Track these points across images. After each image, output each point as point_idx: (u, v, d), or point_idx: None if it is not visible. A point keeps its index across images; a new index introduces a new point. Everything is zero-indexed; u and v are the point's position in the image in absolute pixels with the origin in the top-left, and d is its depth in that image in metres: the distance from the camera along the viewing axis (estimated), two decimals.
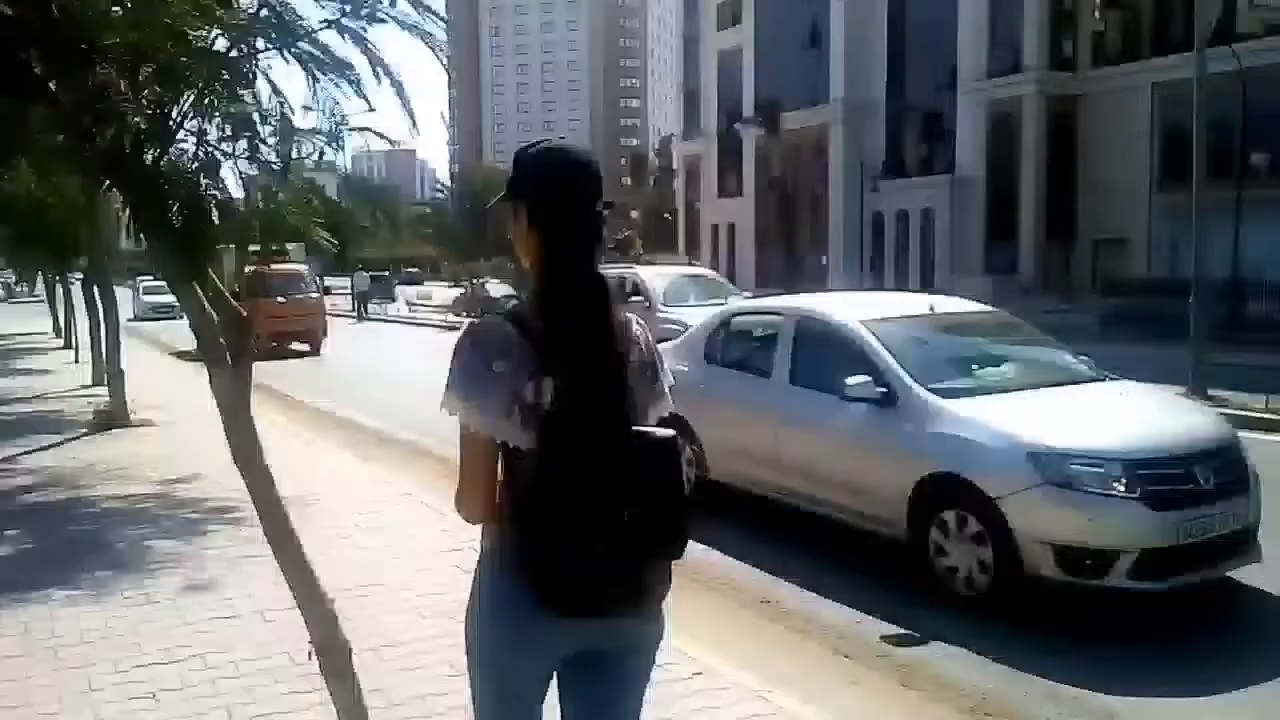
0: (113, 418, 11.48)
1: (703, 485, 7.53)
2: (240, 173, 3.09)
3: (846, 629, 5.41)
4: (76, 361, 19.76)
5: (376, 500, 7.72)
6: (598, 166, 2.20)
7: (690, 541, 2.17)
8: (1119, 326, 22.82)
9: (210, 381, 3.24)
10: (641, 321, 2.29)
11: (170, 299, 30.47)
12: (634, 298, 16.11)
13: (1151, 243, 33.46)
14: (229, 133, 2.96)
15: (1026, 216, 36.76)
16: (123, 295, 18.18)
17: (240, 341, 3.11)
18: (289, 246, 19.88)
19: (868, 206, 41.02)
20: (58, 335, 26.87)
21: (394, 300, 45.39)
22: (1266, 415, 11.69)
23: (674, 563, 2.18)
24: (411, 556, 6.19)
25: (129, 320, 33.82)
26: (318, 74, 3.08)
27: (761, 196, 48.75)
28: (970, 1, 37.73)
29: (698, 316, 10.16)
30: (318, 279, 27.58)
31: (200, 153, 2.92)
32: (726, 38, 50.46)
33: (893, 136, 42.74)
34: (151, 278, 48.54)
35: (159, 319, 37.50)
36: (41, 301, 35.11)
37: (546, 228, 2.13)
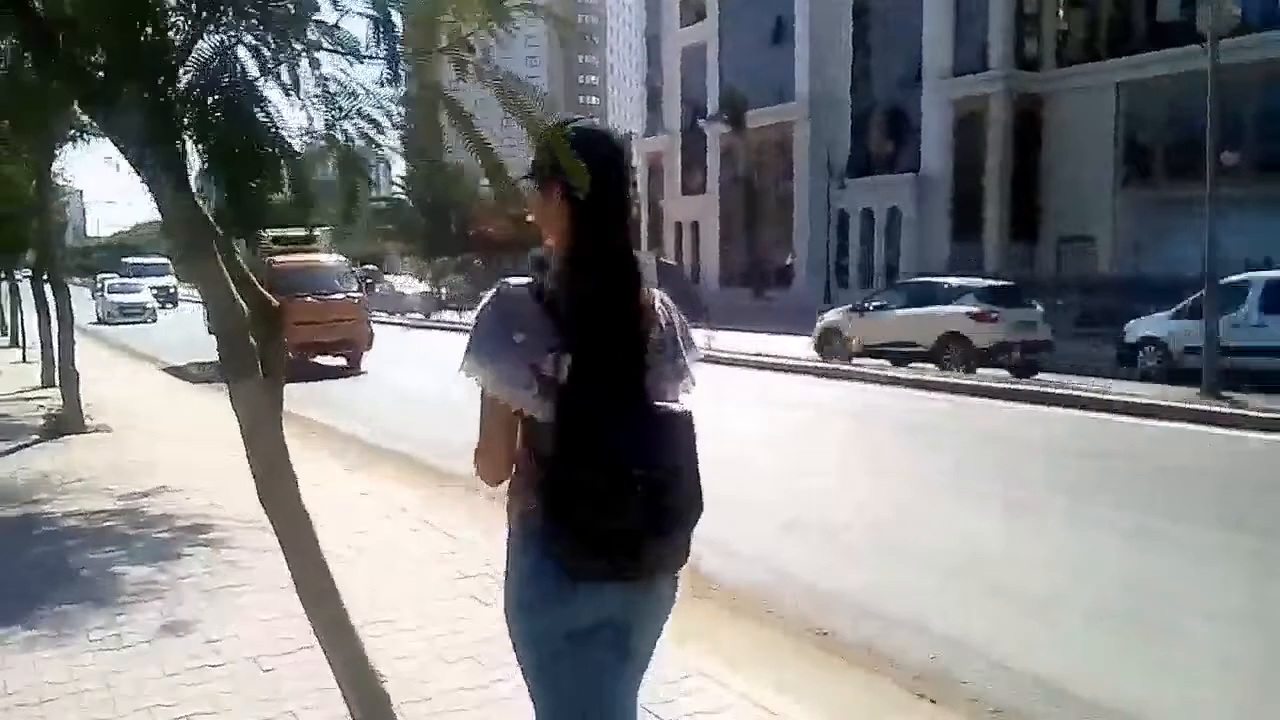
0: (65, 423, 10.59)
1: None
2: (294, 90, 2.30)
3: (921, 666, 4.81)
4: (25, 361, 18.75)
5: (370, 516, 7.00)
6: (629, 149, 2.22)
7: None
8: (1093, 327, 22.46)
9: (230, 394, 2.52)
10: (666, 299, 2.30)
11: (141, 298, 29.72)
12: None
13: (1117, 241, 33.49)
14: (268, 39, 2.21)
15: (991, 215, 36.74)
16: (79, 295, 17.16)
17: (272, 341, 2.42)
18: (317, 232, 18.78)
19: (833, 204, 40.66)
20: (3, 334, 25.70)
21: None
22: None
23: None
24: (419, 583, 5.49)
25: (92, 324, 32.49)
26: None
27: (726, 194, 48.34)
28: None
29: None
30: (355, 274, 22.38)
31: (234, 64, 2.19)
32: (690, 34, 49.91)
33: (858, 134, 42.47)
34: (117, 275, 46.71)
35: (128, 322, 35.75)
36: None
37: (583, 205, 2.14)
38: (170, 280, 53.07)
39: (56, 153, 13.86)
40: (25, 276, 20.81)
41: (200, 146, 2.14)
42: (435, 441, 9.61)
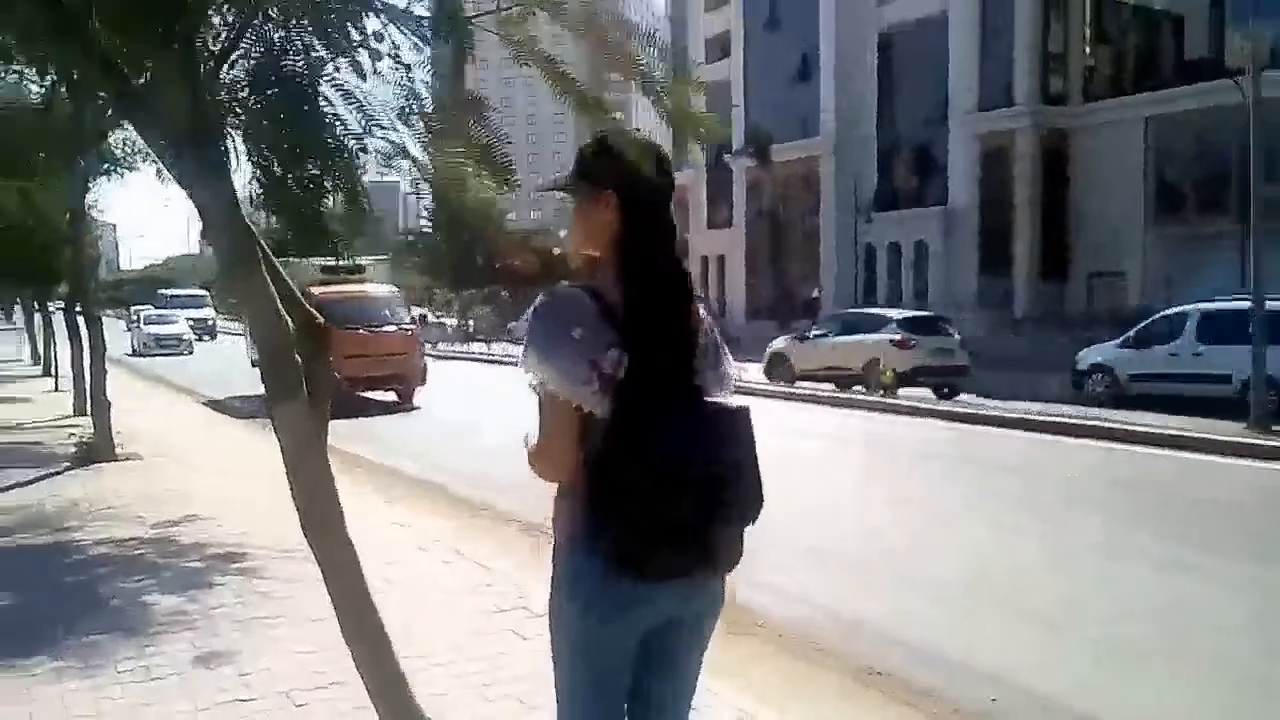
0: (96, 451, 10.54)
1: None
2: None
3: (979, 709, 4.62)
4: (57, 390, 18.82)
5: (401, 547, 6.87)
6: None
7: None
8: None
9: (273, 417, 2.38)
10: (705, 307, 2.34)
11: (177, 330, 29.79)
12: None
13: (1147, 276, 33.18)
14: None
15: (1020, 250, 36.58)
16: (113, 326, 17.20)
17: (318, 361, 2.29)
18: (365, 261, 18.42)
19: (860, 238, 40.54)
20: (36, 363, 25.83)
21: None
22: None
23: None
24: (454, 617, 5.34)
25: (127, 355, 32.53)
26: None
27: (752, 228, 48.33)
28: (961, 35, 37.69)
29: None
30: (406, 305, 20.68)
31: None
32: (715, 70, 50.05)
33: (884, 168, 42.46)
34: (153, 306, 46.80)
35: (163, 353, 35.43)
36: (18, 329, 33.89)
37: (636, 214, 2.20)
38: (208, 312, 52.92)
39: (90, 185, 13.98)
40: (58, 308, 20.98)
41: (250, 144, 2.03)
42: (493, 477, 9.37)
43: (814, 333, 21.93)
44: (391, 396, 18.22)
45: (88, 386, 11.82)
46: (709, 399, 2.21)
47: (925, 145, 41.02)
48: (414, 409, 17.88)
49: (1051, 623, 5.90)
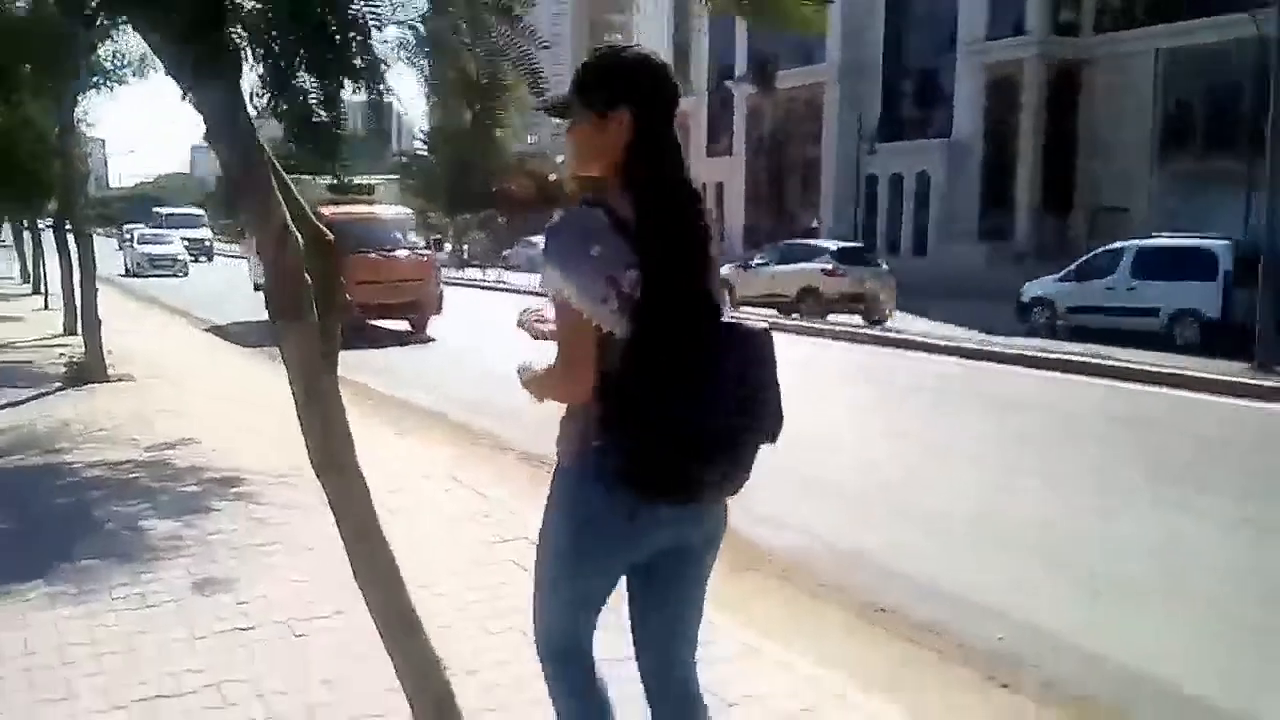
0: (88, 371, 10.36)
1: None
2: None
3: (993, 650, 4.54)
4: (46, 308, 18.59)
5: (401, 474, 6.75)
6: None
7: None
8: None
9: (281, 340, 2.22)
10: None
11: (172, 250, 29.21)
12: None
13: (1151, 212, 32.84)
14: None
15: (1023, 183, 36.21)
16: (104, 246, 16.81)
17: (329, 279, 2.12)
18: (374, 181, 17.76)
19: (862, 169, 40.05)
20: (25, 281, 25.56)
21: None
22: None
23: None
24: (454, 546, 5.23)
25: (120, 275, 31.98)
26: None
27: (752, 156, 47.75)
28: None
29: None
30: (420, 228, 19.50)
31: None
32: None
33: (889, 98, 41.83)
34: (145, 225, 44.31)
35: (158, 274, 33.87)
36: (7, 247, 33.44)
37: (650, 130, 2.15)
38: (204, 233, 50.41)
39: (79, 98, 13.62)
40: (47, 226, 20.64)
41: (256, 39, 1.84)
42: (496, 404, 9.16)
43: (755, 261, 23.24)
44: (405, 326, 17.24)
45: (78, 306, 11.61)
46: (727, 319, 2.19)
47: (931, 75, 40.41)
48: (428, 340, 16.92)
49: (1032, 550, 5.82)
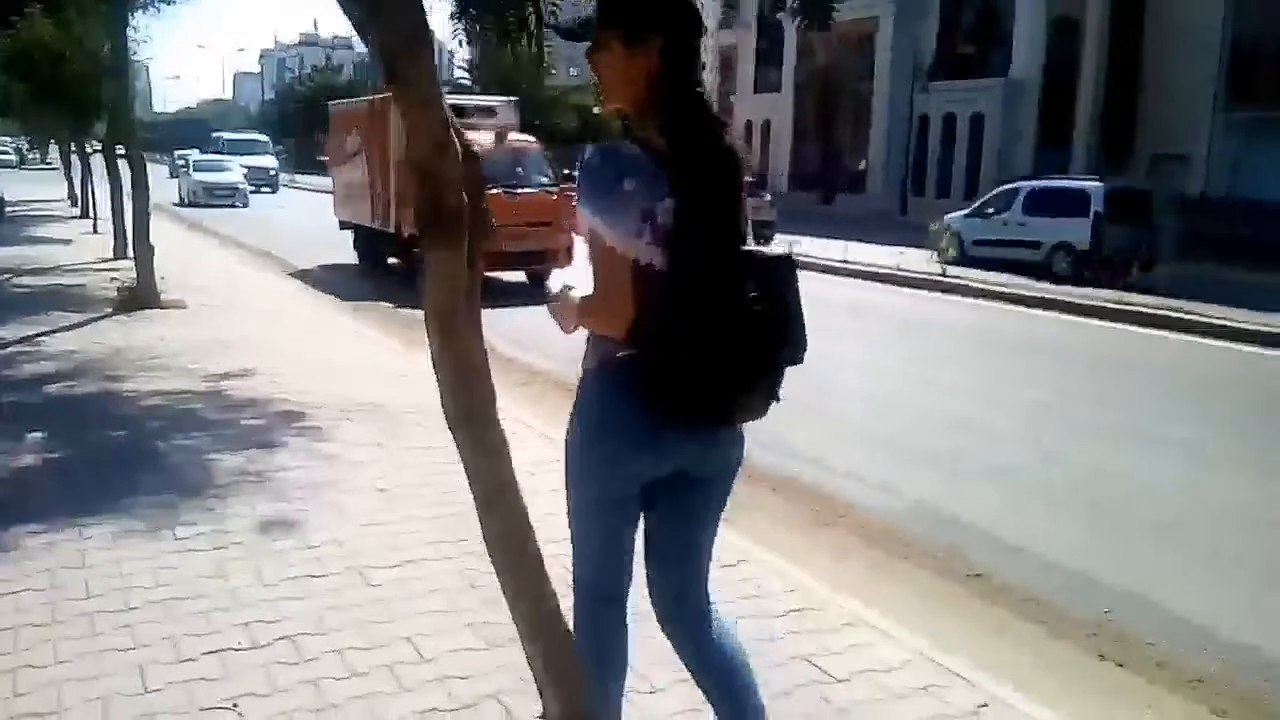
0: (140, 296, 10.21)
1: None
2: None
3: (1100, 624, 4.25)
4: (95, 232, 18.48)
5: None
6: None
7: None
8: (1196, 248, 21.53)
9: (427, 271, 1.89)
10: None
11: (231, 178, 28.27)
12: None
13: (1212, 161, 31.82)
14: None
15: (1081, 126, 35.04)
16: (155, 173, 16.29)
17: (479, 201, 1.81)
18: (493, 102, 16.52)
19: (915, 109, 39.04)
20: (74, 204, 25.47)
21: None
22: None
23: None
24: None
25: (175, 204, 30.10)
26: None
27: (800, 93, 46.66)
28: None
29: None
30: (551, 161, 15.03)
31: None
32: None
33: (945, 36, 40.54)
34: (199, 151, 40.45)
35: (216, 205, 30.69)
36: (55, 169, 33.14)
37: (681, 57, 2.15)
38: (269, 160, 44.27)
39: (130, 18, 13.33)
40: (94, 150, 20.44)
41: None
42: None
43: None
44: (521, 278, 14.15)
45: (129, 230, 11.41)
46: (752, 248, 2.22)
47: (990, 11, 39.10)
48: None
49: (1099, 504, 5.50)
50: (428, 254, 1.78)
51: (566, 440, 2.27)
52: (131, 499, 4.66)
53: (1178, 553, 5.12)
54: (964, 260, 19.32)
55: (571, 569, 2.37)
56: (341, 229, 17.34)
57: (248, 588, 3.77)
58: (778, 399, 2.24)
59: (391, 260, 15.34)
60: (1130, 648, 4.03)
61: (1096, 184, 19.09)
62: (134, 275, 10.52)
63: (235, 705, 2.97)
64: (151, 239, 10.65)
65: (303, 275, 15.42)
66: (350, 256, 16.78)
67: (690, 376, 2.08)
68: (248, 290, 12.44)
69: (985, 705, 3.23)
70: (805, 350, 2.25)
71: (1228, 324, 12.39)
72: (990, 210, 20.19)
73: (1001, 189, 21.08)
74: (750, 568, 4.19)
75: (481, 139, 12.42)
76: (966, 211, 21.01)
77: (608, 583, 2.35)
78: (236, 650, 3.30)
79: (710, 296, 2.08)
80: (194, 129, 75.36)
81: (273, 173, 43.06)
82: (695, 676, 2.47)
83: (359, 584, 3.85)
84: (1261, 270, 18.06)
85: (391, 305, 12.08)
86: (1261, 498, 5.98)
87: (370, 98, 16.77)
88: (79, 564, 3.94)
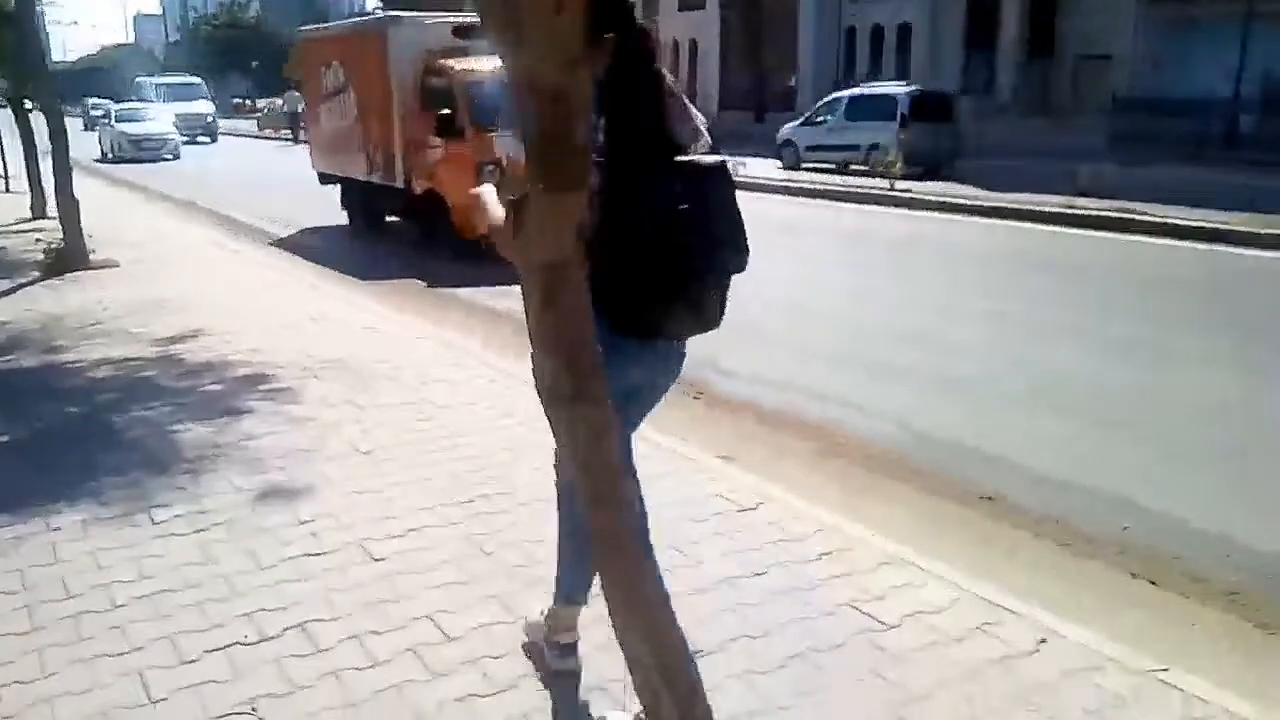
0: (69, 258, 9.61)
1: None
2: None
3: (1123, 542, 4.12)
4: (8, 191, 17.51)
5: (423, 360, 6.22)
6: None
7: None
8: (1129, 148, 21.76)
9: (533, 215, 1.53)
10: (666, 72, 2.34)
11: (160, 129, 25.30)
12: None
13: (1136, 59, 31.93)
14: None
15: (1007, 31, 34.98)
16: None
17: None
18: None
19: (843, 22, 38.59)
20: None
21: None
22: None
23: None
24: (529, 447, 4.71)
25: (97, 160, 27.66)
26: None
27: (726, 10, 45.88)
28: None
29: None
30: None
31: None
32: None
33: None
34: (116, 101, 36.16)
35: (144, 159, 27.79)
36: None
37: None
38: (204, 106, 39.57)
39: None
40: (1, 105, 19.24)
41: None
42: None
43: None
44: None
45: (50, 186, 10.71)
46: (686, 158, 2.24)
47: None
48: None
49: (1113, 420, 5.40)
50: (544, 194, 1.47)
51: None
52: (96, 482, 4.30)
53: (1170, 457, 5.03)
54: (799, 165, 21.73)
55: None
56: (323, 184, 14.65)
57: (242, 573, 3.47)
58: (723, 308, 2.34)
59: (391, 218, 13.11)
60: (1159, 564, 3.92)
61: (902, 89, 21.27)
62: (59, 235, 9.89)
63: (254, 709, 2.70)
64: (98, 213, 9.94)
65: (290, 246, 12.49)
66: (333, 216, 14.12)
67: (629, 291, 2.14)
68: (173, 240, 11.81)
69: (1044, 641, 3.08)
70: (748, 255, 2.31)
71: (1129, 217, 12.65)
72: (819, 119, 22.27)
73: (828, 99, 23.01)
74: (771, 510, 3.99)
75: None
76: (799, 121, 23.27)
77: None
78: (244, 645, 3.01)
79: (643, 205, 2.13)
80: (100, 77, 71.87)
81: (210, 119, 38.50)
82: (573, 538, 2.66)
83: (362, 559, 3.57)
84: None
85: (422, 282, 9.73)
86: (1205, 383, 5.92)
87: (355, 20, 14.49)
88: (50, 559, 3.60)
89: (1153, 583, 3.80)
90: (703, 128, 2.38)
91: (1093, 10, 32.95)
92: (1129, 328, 7.47)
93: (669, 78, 2.37)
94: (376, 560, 3.57)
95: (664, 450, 4.50)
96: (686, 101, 2.40)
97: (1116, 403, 5.82)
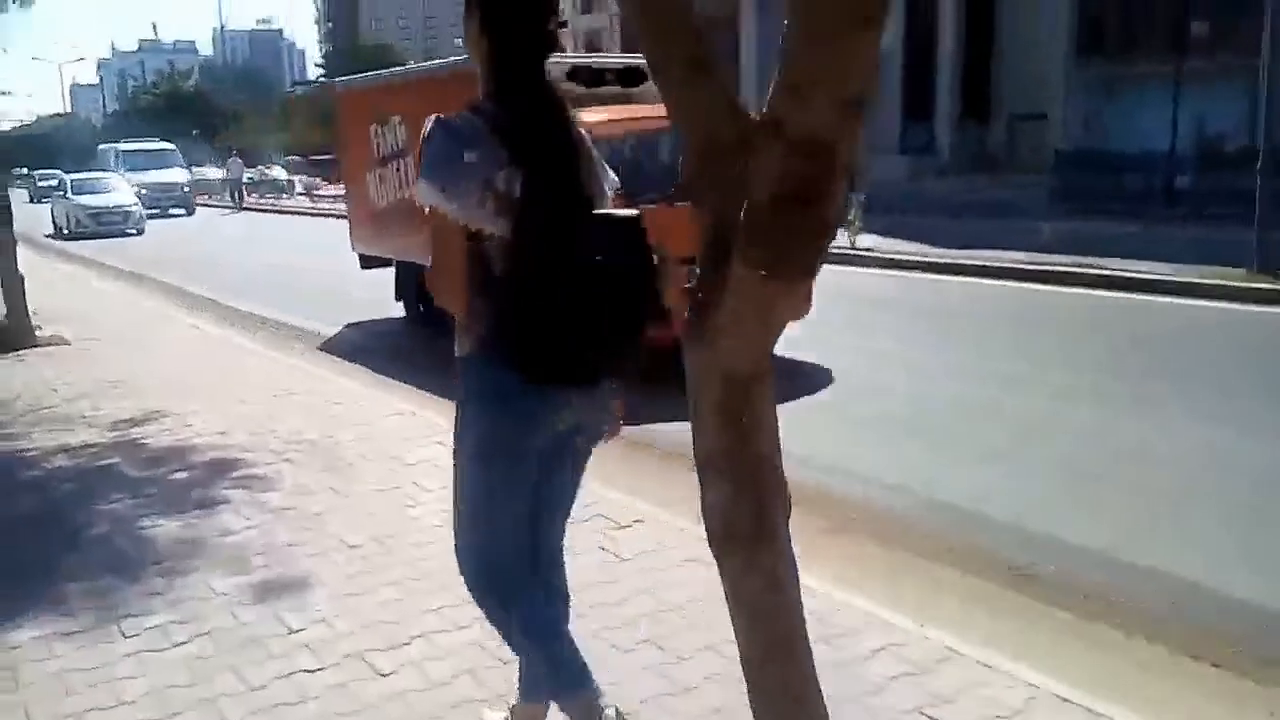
0: (12, 334, 9.12)
1: None
2: None
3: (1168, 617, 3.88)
4: None
5: (401, 438, 5.86)
6: None
7: None
8: (1070, 203, 21.91)
9: (741, 298, 1.24)
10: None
11: (121, 200, 23.26)
12: None
13: (1069, 118, 32.76)
14: None
15: (943, 92, 35.78)
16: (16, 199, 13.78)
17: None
18: (633, 61, 10.11)
19: None
20: None
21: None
22: None
23: None
24: None
25: (48, 236, 25.93)
26: None
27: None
28: None
29: None
30: None
31: None
32: None
33: None
34: (77, 172, 32.09)
35: (104, 233, 25.35)
36: None
37: (499, 25, 2.21)
38: (178, 174, 35.58)
39: None
40: None
41: None
42: None
43: None
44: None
45: None
46: (600, 210, 2.27)
47: None
48: None
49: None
50: (766, 281, 1.18)
51: (458, 433, 2.30)
52: (58, 588, 3.88)
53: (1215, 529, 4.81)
54: None
55: (474, 566, 2.44)
56: (364, 267, 11.79)
57: (228, 696, 3.07)
58: (641, 359, 2.30)
59: None
60: (1213, 643, 3.67)
61: None
62: (3, 312, 9.37)
63: None
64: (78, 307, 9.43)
65: (343, 350, 9.77)
66: (369, 310, 11.46)
67: (543, 340, 2.13)
68: (123, 316, 11.30)
69: None
70: (659, 311, 2.28)
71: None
72: None
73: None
74: (812, 601, 3.68)
75: (642, 117, 7.88)
76: None
77: (523, 561, 2.44)
78: None
79: (554, 259, 2.11)
80: (39, 145, 70.48)
81: (185, 189, 34.69)
82: (524, 632, 2.44)
83: (367, 675, 3.20)
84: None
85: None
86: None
87: (428, 65, 11.72)
88: (11, 686, 3.18)
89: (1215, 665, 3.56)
90: (608, 184, 2.40)
91: (1027, 71, 33.83)
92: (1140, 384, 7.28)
93: (584, 137, 2.38)
94: (383, 675, 3.18)
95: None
96: (597, 153, 2.40)
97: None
